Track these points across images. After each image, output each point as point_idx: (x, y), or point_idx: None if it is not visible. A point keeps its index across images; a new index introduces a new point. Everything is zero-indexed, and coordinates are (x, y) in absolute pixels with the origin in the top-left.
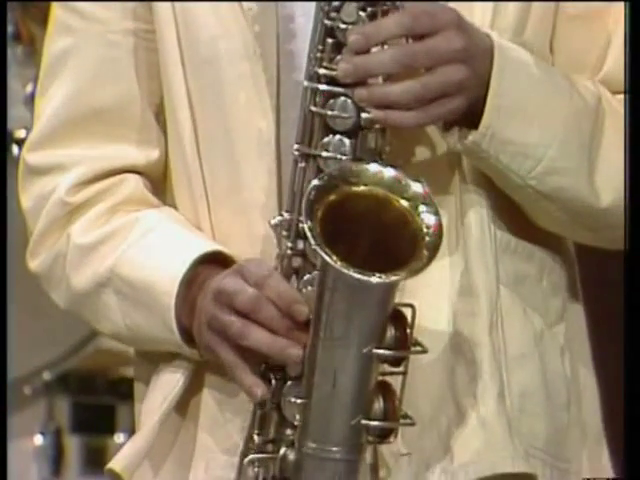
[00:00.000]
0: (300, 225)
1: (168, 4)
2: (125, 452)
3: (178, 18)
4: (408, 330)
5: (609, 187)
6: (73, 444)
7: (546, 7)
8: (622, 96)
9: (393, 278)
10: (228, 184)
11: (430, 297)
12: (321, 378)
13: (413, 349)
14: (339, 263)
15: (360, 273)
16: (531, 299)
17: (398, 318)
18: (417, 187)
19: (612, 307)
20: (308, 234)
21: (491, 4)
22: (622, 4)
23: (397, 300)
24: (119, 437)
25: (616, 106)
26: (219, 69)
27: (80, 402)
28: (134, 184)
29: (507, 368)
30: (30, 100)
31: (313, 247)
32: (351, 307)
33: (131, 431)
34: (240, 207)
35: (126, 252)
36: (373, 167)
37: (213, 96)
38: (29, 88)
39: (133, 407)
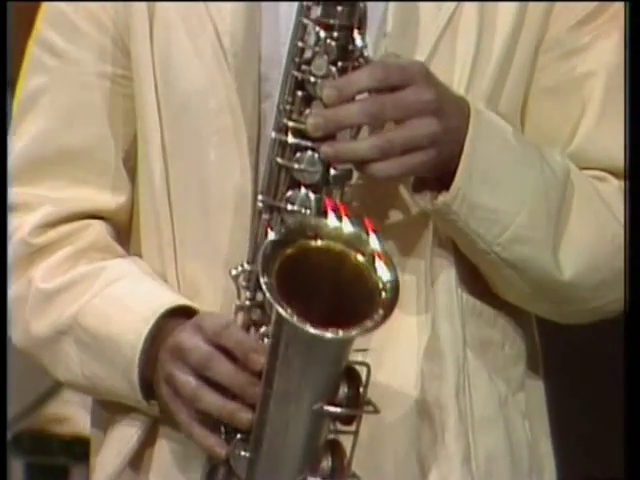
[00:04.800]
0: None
1: (147, 49)
2: None
3: (157, 64)
4: (361, 389)
5: (573, 261)
6: None
7: (521, 77)
8: (590, 172)
9: (346, 334)
10: (199, 236)
11: (397, 359)
12: (270, 432)
13: (365, 408)
14: (294, 317)
15: (314, 328)
16: (494, 365)
17: (352, 376)
18: (375, 243)
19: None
20: (264, 288)
21: (469, 67)
22: (598, 79)
23: (361, 360)
24: None
25: (584, 181)
26: (198, 120)
27: (34, 463)
28: (98, 230)
29: (473, 431)
30: None
31: (268, 300)
32: (304, 362)
33: None
34: (209, 259)
35: (90, 302)
36: (332, 222)
37: (190, 147)
38: None
39: (87, 468)
